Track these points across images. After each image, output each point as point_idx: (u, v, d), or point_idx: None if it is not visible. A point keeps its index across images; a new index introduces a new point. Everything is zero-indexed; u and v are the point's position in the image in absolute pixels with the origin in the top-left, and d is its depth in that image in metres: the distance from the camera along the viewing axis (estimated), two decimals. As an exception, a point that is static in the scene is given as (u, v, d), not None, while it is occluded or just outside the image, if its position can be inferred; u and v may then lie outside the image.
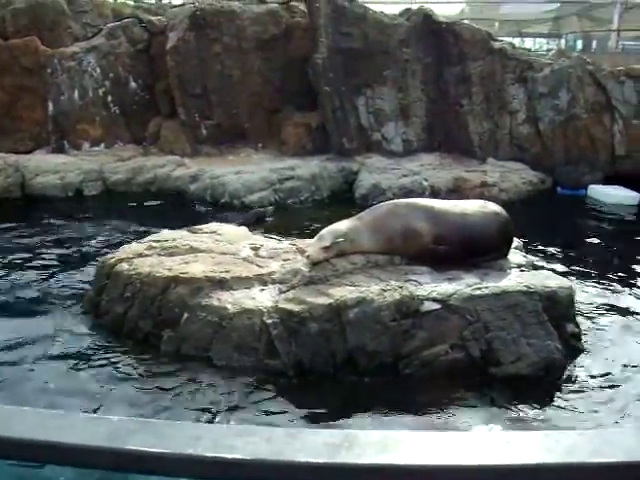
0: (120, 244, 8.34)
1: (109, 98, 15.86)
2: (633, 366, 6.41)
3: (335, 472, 1.29)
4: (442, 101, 15.59)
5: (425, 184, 13.74)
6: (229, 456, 1.30)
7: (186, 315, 6.35)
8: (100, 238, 10.85)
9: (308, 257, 6.53)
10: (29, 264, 9.31)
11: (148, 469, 1.39)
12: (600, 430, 2.16)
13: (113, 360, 6.44)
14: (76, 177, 13.96)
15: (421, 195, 12.05)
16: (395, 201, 7.26)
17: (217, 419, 5.28)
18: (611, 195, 13.99)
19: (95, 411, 5.34)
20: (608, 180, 14.61)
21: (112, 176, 14.20)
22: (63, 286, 8.36)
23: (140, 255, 7.32)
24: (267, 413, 5.47)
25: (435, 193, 12.99)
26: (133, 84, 16.17)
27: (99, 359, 6.39)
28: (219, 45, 15.51)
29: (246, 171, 13.95)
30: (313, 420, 5.38)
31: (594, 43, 33.13)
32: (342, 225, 6.70)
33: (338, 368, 6.01)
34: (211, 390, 5.80)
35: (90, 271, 8.25)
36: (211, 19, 15.41)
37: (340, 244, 6.51)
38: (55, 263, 9.43)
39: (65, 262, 9.51)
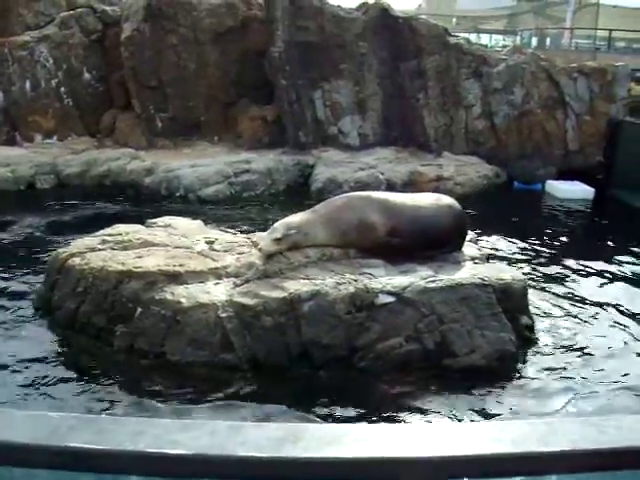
0: (73, 238, 8.18)
1: (62, 89, 15.53)
2: (584, 358, 6.52)
3: (279, 466, 1.27)
4: (398, 95, 15.64)
5: (381, 178, 13.77)
6: (172, 452, 1.27)
7: (140, 310, 6.25)
8: (53, 232, 10.63)
9: (260, 249, 6.49)
10: (-22, 259, 9.10)
11: (89, 467, 1.35)
12: (546, 420, 2.17)
13: (65, 356, 6.34)
14: (28, 170, 13.66)
15: (377, 189, 12.07)
16: (350, 194, 7.26)
17: (167, 415, 5.22)
18: (568, 190, 14.22)
19: (43, 409, 5.24)
20: (561, 175, 14.85)
21: (65, 169, 13.92)
22: (14, 281, 8.18)
23: (93, 249, 7.20)
24: (221, 408, 5.42)
25: (391, 187, 13.02)
26: (87, 75, 15.86)
27: (51, 355, 6.28)
28: (175, 37, 15.33)
29: (201, 164, 13.82)
30: (268, 414, 5.36)
31: (548, 40, 33.74)
32: (296, 218, 6.67)
33: (293, 361, 6.00)
34: (164, 386, 5.74)
35: (42, 266, 8.09)
36: (167, 10, 15.20)
37: (293, 236, 6.48)
38: (6, 258, 9.22)
39: (16, 257, 9.31)
